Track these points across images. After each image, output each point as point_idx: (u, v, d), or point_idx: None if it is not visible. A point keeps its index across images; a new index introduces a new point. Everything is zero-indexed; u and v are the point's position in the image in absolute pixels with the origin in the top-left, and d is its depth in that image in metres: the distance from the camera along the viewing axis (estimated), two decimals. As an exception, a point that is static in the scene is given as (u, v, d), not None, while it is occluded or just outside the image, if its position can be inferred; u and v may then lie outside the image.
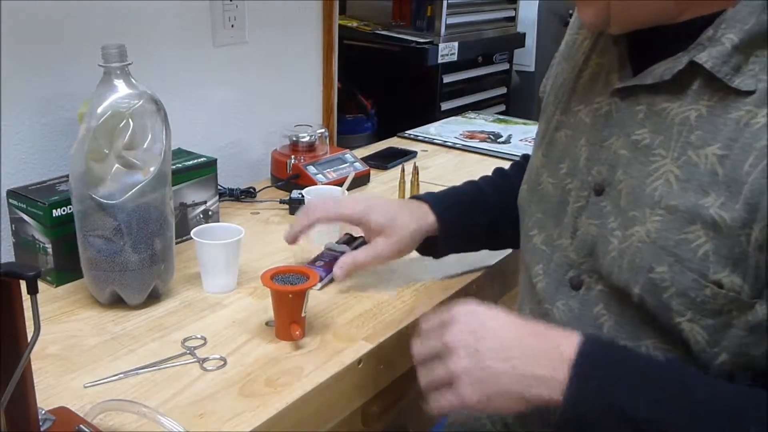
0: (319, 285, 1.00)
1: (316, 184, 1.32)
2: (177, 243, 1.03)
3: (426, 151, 1.69)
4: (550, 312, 0.79)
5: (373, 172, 1.48)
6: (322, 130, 1.45)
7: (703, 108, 0.67)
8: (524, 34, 2.64)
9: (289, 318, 0.87)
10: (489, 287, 1.12)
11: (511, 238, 0.97)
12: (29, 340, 0.59)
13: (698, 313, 0.65)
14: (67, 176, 0.94)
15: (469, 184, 1.06)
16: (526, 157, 1.07)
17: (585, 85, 0.80)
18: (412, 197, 1.04)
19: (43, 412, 0.68)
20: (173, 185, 0.98)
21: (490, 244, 1.07)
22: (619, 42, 0.75)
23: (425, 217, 0.98)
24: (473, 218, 1.01)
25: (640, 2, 0.69)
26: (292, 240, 1.00)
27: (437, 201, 1.00)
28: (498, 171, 1.09)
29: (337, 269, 0.97)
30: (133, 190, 0.90)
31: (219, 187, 1.22)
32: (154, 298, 0.96)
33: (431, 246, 1.00)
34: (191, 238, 1.16)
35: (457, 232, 1.00)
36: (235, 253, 0.99)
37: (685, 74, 0.68)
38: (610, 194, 0.73)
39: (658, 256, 0.67)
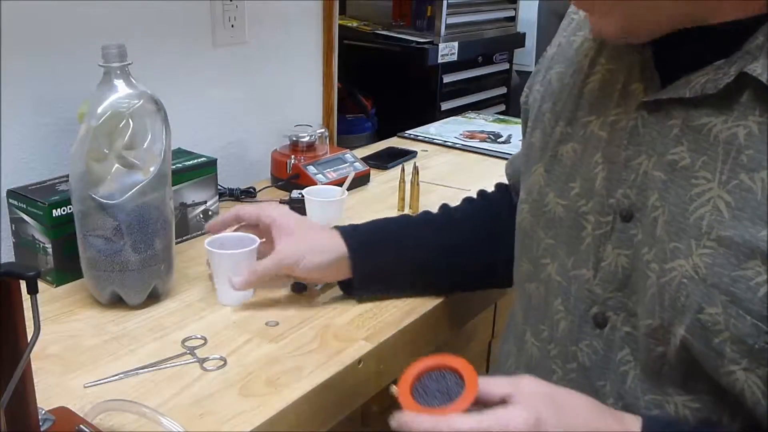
0: (320, 285, 1.00)
1: (316, 184, 1.32)
2: (177, 243, 1.03)
3: (426, 151, 1.69)
4: (575, 354, 0.72)
5: (373, 172, 1.48)
6: (322, 130, 1.45)
7: (754, 125, 0.59)
8: (524, 34, 2.64)
9: None
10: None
11: (446, 283, 0.96)
12: (29, 340, 0.59)
13: (755, 362, 0.58)
14: (67, 176, 0.94)
15: (399, 217, 1.02)
16: (482, 194, 1.04)
17: (594, 93, 0.72)
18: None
19: (43, 412, 0.68)
20: (173, 185, 0.98)
21: (417, 286, 0.99)
22: (641, 48, 0.67)
23: (335, 236, 0.93)
24: (395, 246, 0.95)
25: (652, 3, 0.61)
26: (216, 229, 0.98)
27: (351, 228, 0.96)
28: (444, 207, 1.03)
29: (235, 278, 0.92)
30: (133, 190, 0.90)
31: (219, 187, 1.22)
32: (154, 298, 0.96)
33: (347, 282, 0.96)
34: (191, 238, 1.16)
35: (374, 255, 0.93)
36: (249, 264, 0.93)
37: (731, 87, 0.60)
38: (641, 221, 0.66)
39: (710, 296, 0.59)
